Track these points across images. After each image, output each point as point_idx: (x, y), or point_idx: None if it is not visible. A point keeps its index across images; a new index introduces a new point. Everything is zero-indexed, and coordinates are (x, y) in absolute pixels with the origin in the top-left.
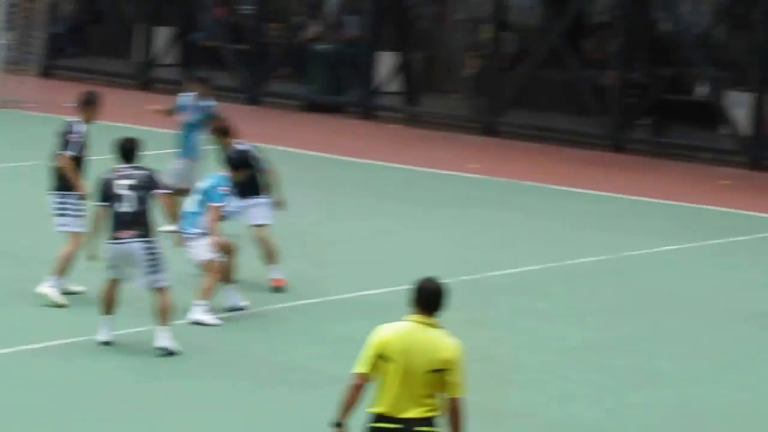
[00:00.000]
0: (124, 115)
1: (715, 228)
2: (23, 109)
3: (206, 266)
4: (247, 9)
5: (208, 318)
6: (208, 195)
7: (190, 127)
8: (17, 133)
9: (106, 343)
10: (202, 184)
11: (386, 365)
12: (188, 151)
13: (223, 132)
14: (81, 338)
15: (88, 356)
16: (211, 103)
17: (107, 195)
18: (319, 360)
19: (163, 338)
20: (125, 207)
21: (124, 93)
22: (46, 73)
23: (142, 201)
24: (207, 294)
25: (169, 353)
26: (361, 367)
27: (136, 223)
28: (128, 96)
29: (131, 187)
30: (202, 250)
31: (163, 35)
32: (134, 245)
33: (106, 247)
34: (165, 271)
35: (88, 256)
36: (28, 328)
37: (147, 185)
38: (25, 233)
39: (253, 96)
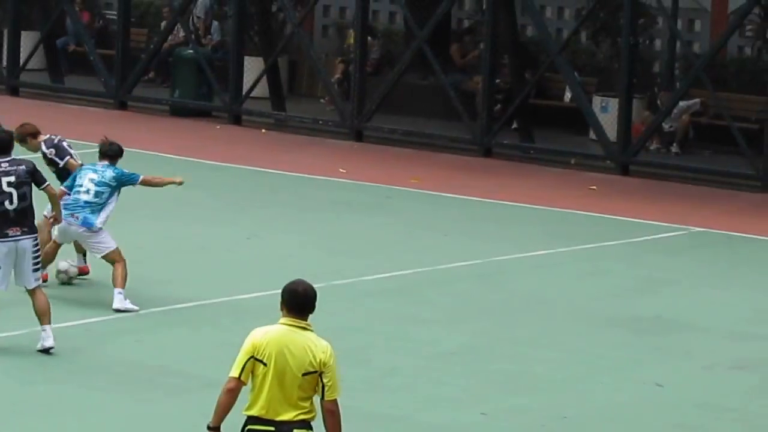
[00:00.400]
0: None
1: (585, 233)
2: None
3: (112, 255)
4: (112, 14)
5: (129, 305)
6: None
7: None
8: None
9: None
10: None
11: (260, 368)
12: None
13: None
14: None
15: None
16: None
17: None
18: (193, 364)
19: (49, 337)
20: (10, 204)
21: None
22: None
23: (25, 197)
24: (123, 282)
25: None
26: (235, 370)
27: (24, 219)
28: None
29: (11, 184)
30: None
31: (29, 40)
32: (25, 242)
33: None
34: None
35: None
36: None
37: (29, 180)
38: None
39: (120, 101)
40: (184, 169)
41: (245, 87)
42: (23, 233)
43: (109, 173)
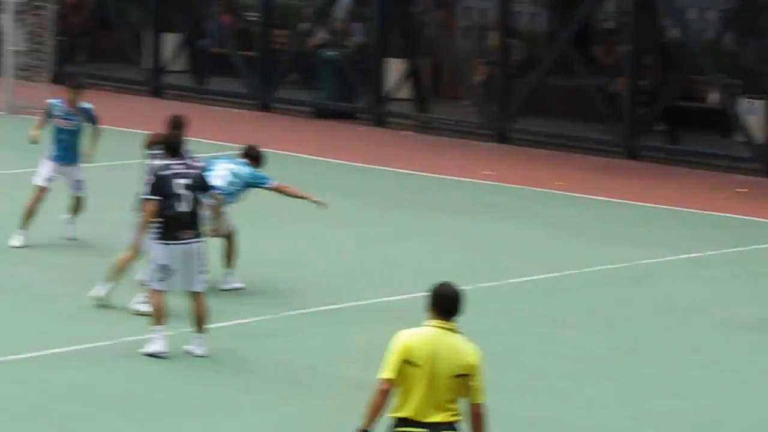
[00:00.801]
0: (136, 122)
1: (735, 235)
2: (34, 115)
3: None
4: (253, 16)
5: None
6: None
7: (67, 132)
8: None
9: (153, 356)
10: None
11: (411, 370)
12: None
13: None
14: (107, 342)
15: (114, 361)
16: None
17: (163, 192)
18: (341, 366)
19: (203, 346)
20: (183, 207)
21: (135, 99)
22: (57, 79)
23: (196, 201)
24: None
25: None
26: (387, 372)
27: (194, 222)
28: (139, 102)
29: (187, 186)
30: None
31: (171, 42)
32: (194, 245)
33: (161, 247)
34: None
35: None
36: (53, 332)
37: (201, 185)
38: (42, 237)
39: (263, 102)
40: (326, 171)
41: (388, 89)
42: (195, 236)
43: (246, 169)
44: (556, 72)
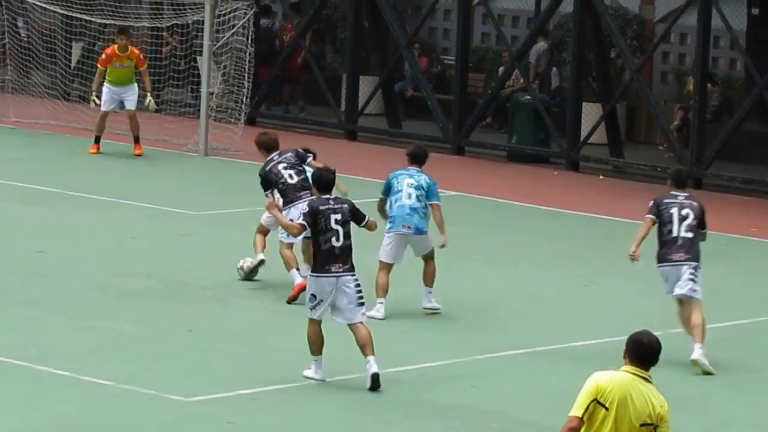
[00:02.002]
0: (331, 164)
1: None
2: (229, 157)
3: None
4: (450, 59)
5: (434, 303)
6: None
7: None
8: (224, 180)
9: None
10: (414, 181)
11: (600, 412)
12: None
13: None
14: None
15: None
16: None
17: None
18: (528, 410)
19: (374, 365)
20: (337, 241)
21: (330, 142)
22: (251, 121)
23: (348, 235)
24: (432, 281)
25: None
26: (578, 410)
27: (347, 256)
28: (334, 145)
29: (338, 222)
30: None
31: (367, 85)
32: (346, 278)
33: (316, 281)
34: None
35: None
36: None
37: (351, 218)
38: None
39: (457, 146)
40: (519, 214)
41: (583, 133)
42: (345, 270)
43: (424, 177)
44: (753, 117)
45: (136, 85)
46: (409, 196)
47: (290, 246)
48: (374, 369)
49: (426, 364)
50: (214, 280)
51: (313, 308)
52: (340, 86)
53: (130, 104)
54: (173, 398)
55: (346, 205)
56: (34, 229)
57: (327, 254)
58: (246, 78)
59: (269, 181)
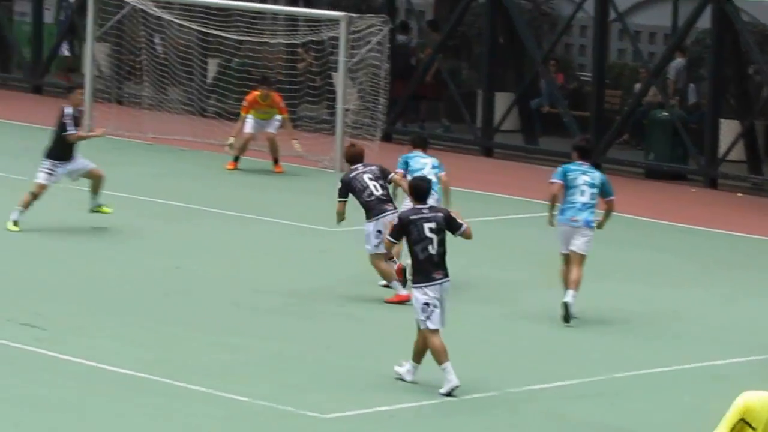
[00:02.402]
0: (466, 180)
1: None
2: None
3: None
4: (586, 76)
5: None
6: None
7: None
8: None
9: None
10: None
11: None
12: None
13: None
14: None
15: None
16: None
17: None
18: (666, 429)
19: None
20: (432, 248)
21: (466, 158)
22: (387, 137)
23: (442, 242)
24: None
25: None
26: (723, 428)
27: (444, 263)
28: (470, 161)
29: (432, 230)
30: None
31: (503, 101)
32: (447, 284)
33: (424, 290)
34: None
35: None
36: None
37: (446, 227)
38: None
39: (594, 162)
40: (657, 231)
41: (721, 150)
42: (444, 277)
43: (598, 174)
44: None
45: (278, 115)
46: (582, 193)
47: (382, 257)
48: (454, 381)
49: (563, 383)
50: (351, 296)
51: (428, 318)
52: (475, 102)
53: (271, 128)
54: (310, 415)
55: (440, 214)
56: (172, 245)
57: (427, 262)
58: (381, 94)
59: (351, 188)
